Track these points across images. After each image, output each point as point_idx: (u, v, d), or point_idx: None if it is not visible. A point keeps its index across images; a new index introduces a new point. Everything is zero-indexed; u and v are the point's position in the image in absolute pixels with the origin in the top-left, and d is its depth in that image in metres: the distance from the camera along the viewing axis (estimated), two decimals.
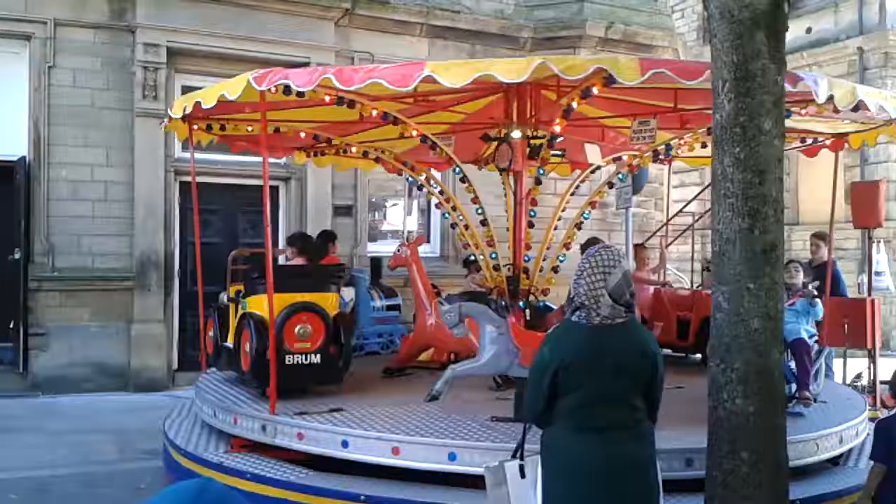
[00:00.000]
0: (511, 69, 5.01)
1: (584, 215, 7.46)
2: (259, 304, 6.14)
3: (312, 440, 5.19)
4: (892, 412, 4.74)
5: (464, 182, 7.38)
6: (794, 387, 5.93)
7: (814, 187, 16.49)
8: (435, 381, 5.51)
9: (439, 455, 4.78)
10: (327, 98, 5.84)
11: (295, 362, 6.02)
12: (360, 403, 5.77)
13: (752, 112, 3.82)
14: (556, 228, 7.50)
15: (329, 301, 6.37)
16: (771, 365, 3.81)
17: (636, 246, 9.34)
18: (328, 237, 9.27)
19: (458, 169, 7.20)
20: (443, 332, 6.40)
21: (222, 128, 7.42)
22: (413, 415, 5.45)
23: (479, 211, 7.41)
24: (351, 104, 6.04)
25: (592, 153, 7.31)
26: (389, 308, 10.01)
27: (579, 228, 7.48)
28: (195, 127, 7.33)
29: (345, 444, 5.04)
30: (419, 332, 7.21)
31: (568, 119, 6.20)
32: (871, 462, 4.30)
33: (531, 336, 5.36)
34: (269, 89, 5.23)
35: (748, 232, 3.80)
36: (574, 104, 5.88)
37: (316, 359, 6.07)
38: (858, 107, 5.36)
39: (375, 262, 10.89)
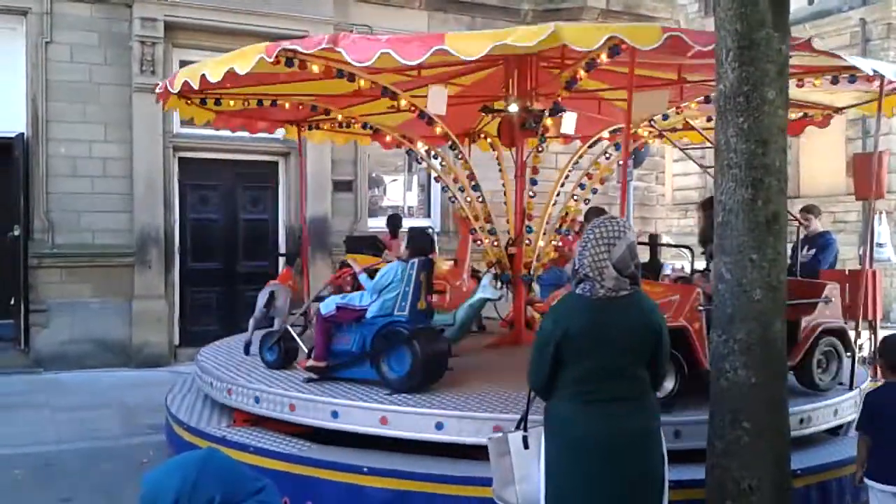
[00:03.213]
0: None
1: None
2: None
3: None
4: (880, 384, 4.77)
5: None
6: None
7: (815, 160, 16.44)
8: None
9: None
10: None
11: None
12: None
13: (755, 81, 3.79)
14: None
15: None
16: (773, 335, 3.80)
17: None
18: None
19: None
20: None
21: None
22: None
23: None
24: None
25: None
26: None
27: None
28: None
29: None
30: None
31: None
32: (858, 432, 4.38)
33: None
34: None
35: (751, 202, 3.78)
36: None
37: None
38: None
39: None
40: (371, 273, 6.05)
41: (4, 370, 9.93)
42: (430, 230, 8.70)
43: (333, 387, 5.47)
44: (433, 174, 8.05)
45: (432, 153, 7.55)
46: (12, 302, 10.48)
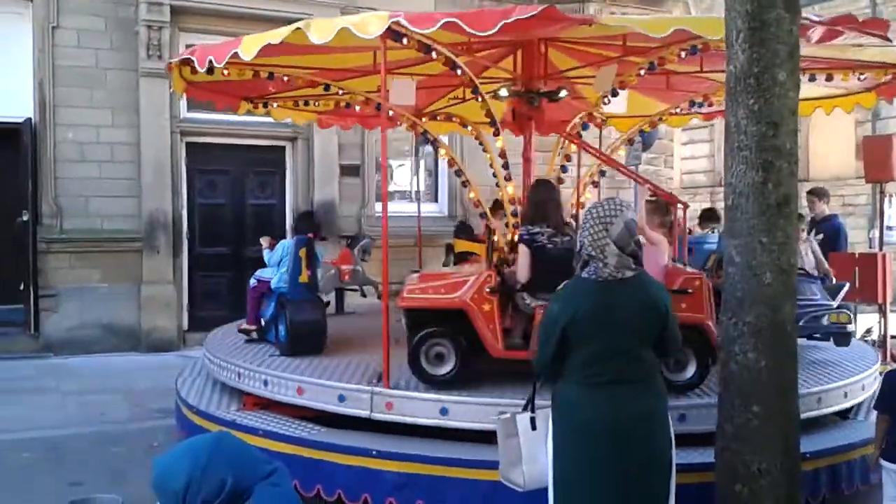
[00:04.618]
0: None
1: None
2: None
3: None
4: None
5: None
6: None
7: (824, 143, 16.36)
8: None
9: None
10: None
11: None
12: None
13: (766, 62, 3.75)
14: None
15: None
16: (783, 318, 3.78)
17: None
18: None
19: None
20: None
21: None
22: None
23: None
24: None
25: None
26: None
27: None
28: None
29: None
30: None
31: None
32: (876, 412, 4.37)
33: None
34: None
35: (762, 185, 3.74)
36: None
37: None
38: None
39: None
40: None
41: (14, 355, 9.99)
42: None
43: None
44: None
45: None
46: (21, 287, 10.51)
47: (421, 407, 4.92)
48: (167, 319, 10.86)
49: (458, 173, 7.61)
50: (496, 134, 6.72)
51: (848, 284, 6.21)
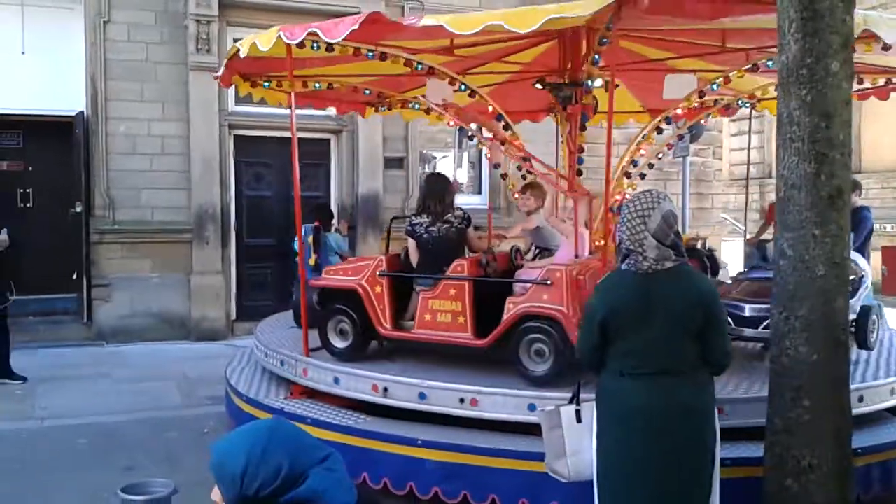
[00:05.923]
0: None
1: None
2: None
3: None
4: None
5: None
6: None
7: (878, 133, 15.97)
8: None
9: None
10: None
11: None
12: None
13: (819, 53, 3.68)
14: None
15: None
16: (836, 312, 3.72)
17: (524, 186, 6.71)
18: None
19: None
20: None
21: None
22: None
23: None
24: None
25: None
26: None
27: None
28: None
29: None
30: None
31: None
32: None
33: None
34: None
35: (814, 177, 3.69)
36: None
37: None
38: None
39: None
40: None
41: (69, 343, 10.24)
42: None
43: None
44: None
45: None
46: (75, 276, 10.76)
47: (321, 375, 5.58)
48: (216, 309, 11.04)
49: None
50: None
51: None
